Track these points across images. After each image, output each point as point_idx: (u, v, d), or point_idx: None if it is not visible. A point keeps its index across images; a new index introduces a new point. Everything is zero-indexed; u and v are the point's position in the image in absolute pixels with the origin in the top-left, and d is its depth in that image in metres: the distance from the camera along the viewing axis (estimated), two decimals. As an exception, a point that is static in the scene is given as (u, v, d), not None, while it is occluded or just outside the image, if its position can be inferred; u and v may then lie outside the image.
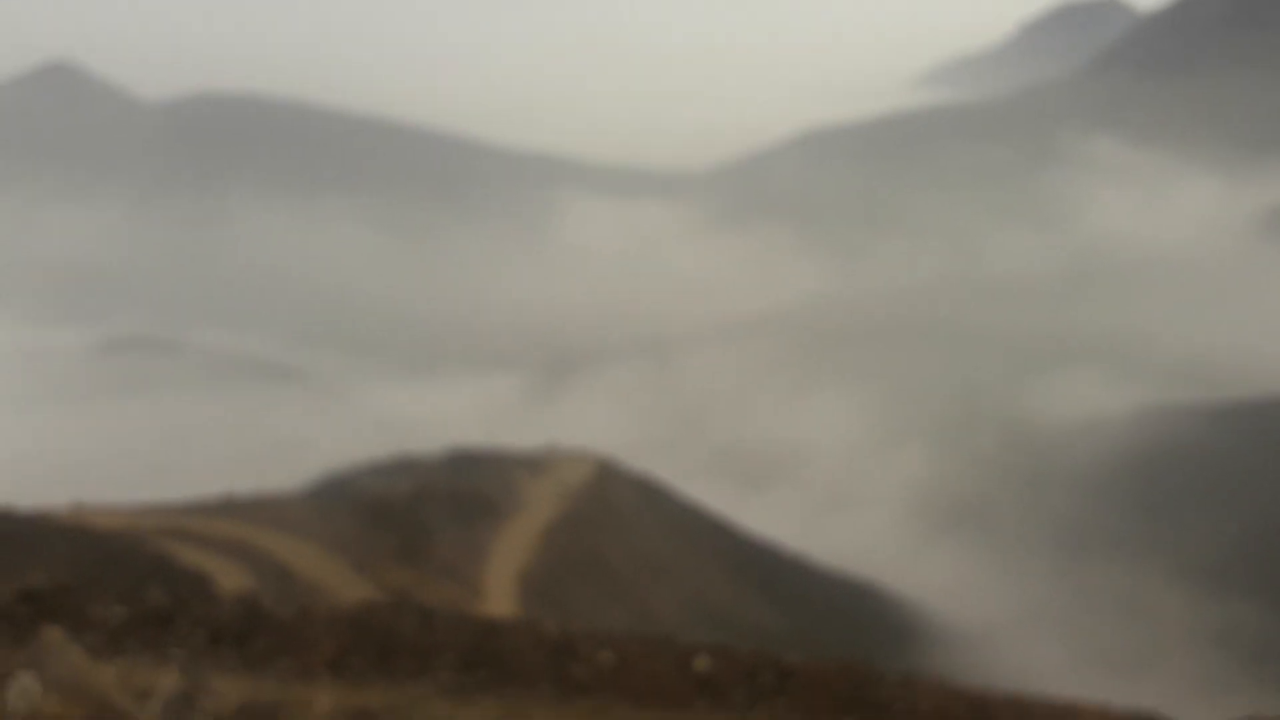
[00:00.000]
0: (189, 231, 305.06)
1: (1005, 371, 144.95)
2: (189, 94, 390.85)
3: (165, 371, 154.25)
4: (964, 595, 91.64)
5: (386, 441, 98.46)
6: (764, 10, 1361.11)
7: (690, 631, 63.06)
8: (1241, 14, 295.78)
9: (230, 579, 49.02)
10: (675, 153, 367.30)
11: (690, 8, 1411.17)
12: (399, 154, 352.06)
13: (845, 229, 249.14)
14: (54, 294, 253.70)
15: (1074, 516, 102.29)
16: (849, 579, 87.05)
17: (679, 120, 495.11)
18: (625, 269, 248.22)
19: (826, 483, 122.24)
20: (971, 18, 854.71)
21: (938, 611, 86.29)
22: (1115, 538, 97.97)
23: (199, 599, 20.53)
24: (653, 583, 69.12)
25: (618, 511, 75.56)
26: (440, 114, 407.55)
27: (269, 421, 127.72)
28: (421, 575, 59.59)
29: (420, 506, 68.97)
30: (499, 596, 56.51)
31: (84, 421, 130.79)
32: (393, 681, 18.09)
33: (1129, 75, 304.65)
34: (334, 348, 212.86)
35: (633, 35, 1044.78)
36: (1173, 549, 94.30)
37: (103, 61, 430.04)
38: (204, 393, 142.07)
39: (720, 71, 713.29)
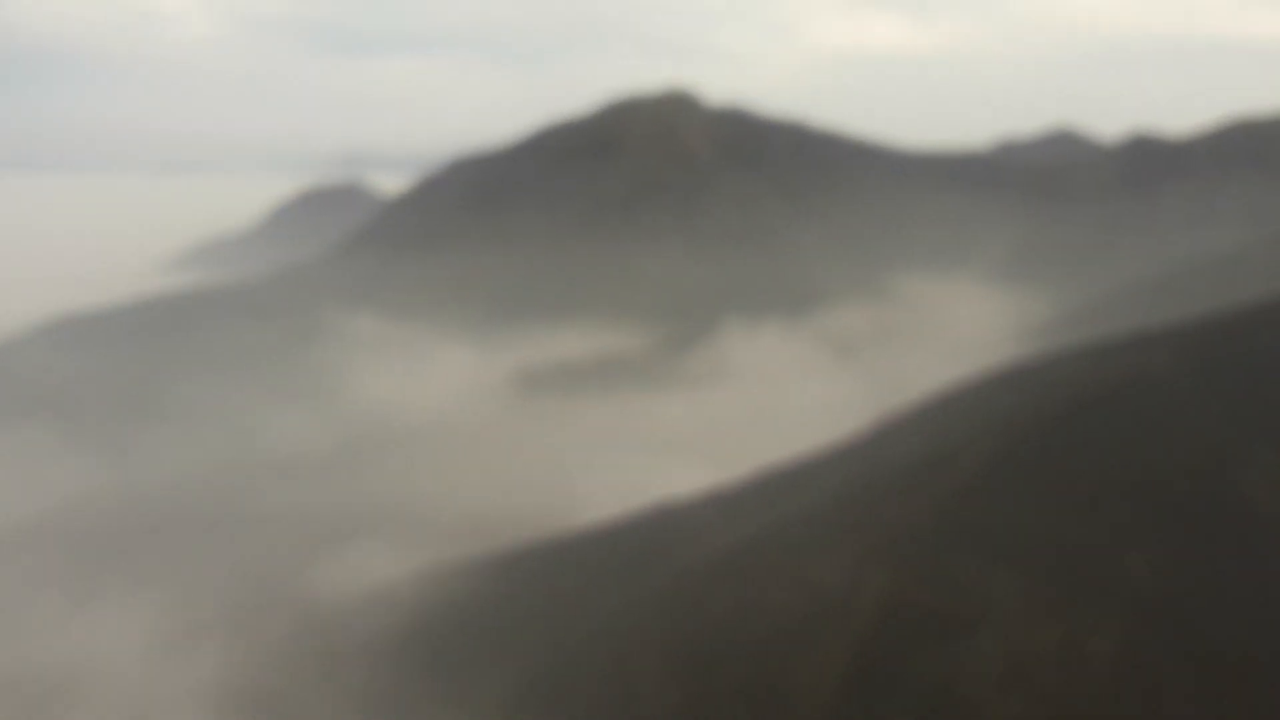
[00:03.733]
0: None
1: (294, 552, 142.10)
2: None
3: None
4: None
5: None
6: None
7: None
8: (470, 199, 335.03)
9: None
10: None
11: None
12: None
13: (109, 420, 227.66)
14: None
15: (372, 689, 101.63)
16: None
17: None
18: None
19: (117, 700, 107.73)
20: (216, 204, 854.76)
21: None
22: (413, 702, 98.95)
23: None
24: None
25: None
26: None
27: None
28: None
29: None
30: None
31: None
32: None
33: (378, 255, 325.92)
34: None
35: None
36: (468, 703, 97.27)
37: None
38: None
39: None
